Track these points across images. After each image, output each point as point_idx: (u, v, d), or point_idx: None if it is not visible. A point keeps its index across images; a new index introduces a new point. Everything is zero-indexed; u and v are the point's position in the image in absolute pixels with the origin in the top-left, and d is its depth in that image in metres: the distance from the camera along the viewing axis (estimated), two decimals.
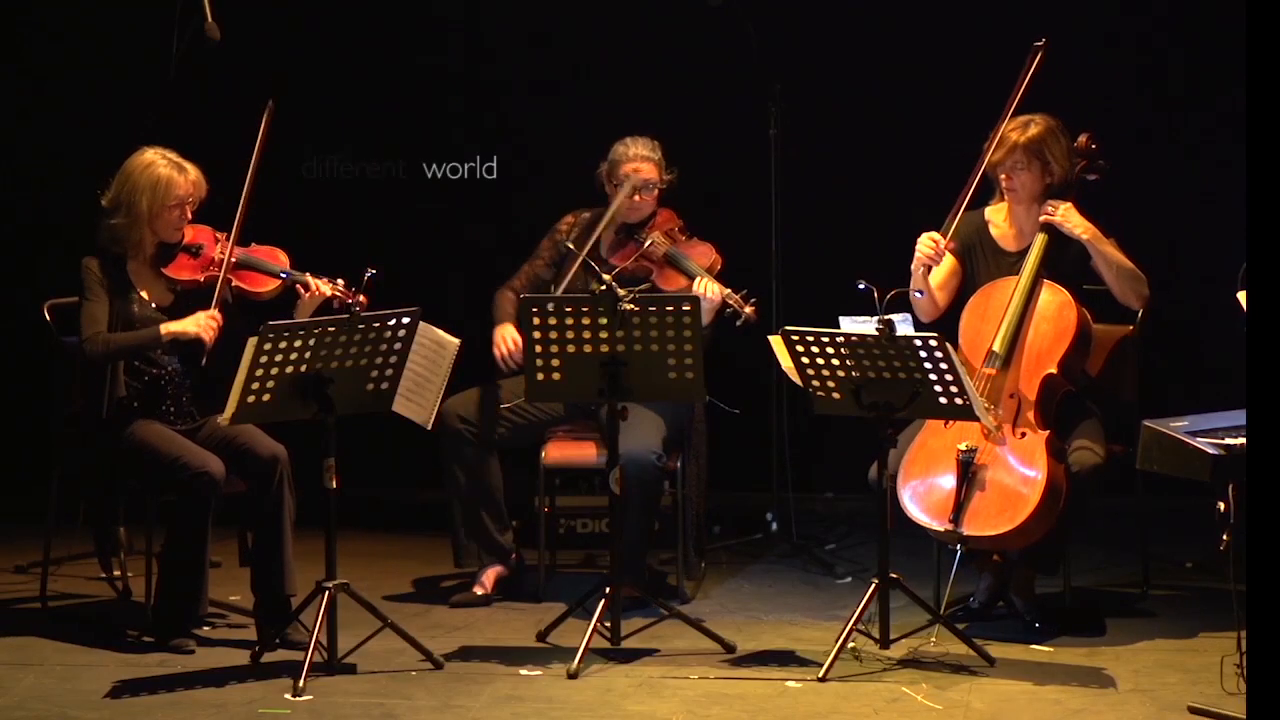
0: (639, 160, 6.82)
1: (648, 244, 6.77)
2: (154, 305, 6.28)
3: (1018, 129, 6.36)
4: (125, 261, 6.28)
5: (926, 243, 6.35)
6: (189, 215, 6.28)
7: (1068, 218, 6.33)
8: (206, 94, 7.56)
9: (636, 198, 6.81)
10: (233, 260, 6.30)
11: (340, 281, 6.36)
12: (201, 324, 6.17)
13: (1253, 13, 4.92)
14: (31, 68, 8.17)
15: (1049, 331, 6.29)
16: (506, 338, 6.73)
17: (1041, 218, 6.37)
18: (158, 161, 6.25)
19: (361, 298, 6.29)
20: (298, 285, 6.34)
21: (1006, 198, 6.46)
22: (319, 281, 6.34)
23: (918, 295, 6.41)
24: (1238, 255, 5.24)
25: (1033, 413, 6.20)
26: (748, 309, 6.52)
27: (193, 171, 6.27)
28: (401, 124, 8.23)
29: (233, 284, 6.31)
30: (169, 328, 6.17)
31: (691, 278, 6.66)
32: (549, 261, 6.90)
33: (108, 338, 6.16)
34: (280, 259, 6.40)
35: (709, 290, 6.56)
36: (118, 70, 7.85)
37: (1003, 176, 6.40)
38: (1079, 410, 6.32)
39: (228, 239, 6.30)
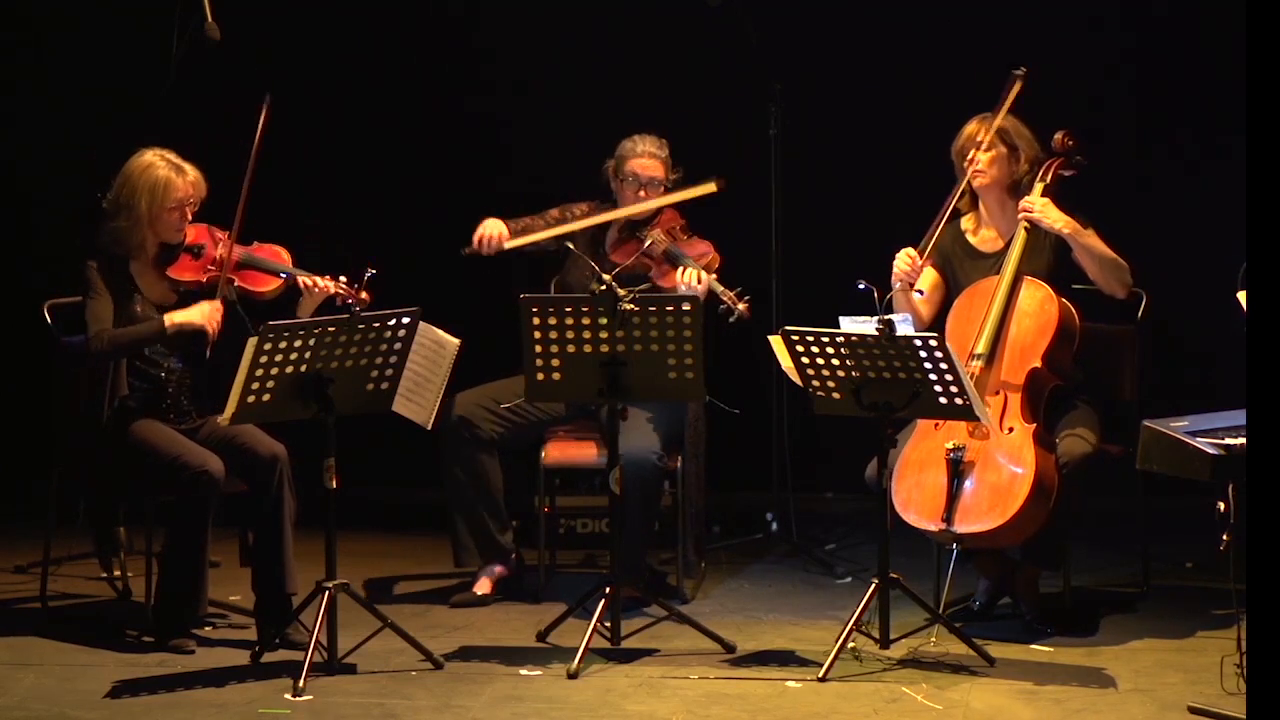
0: (645, 156, 6.83)
1: (648, 243, 6.77)
2: (157, 305, 6.28)
3: (978, 119, 6.43)
4: (127, 263, 6.28)
5: (904, 260, 6.36)
6: (189, 216, 6.27)
7: (1046, 213, 6.34)
8: (206, 94, 7.55)
9: (641, 193, 6.82)
10: (235, 259, 6.31)
11: (343, 279, 6.35)
12: (206, 314, 6.17)
13: (1253, 13, 4.92)
14: (31, 67, 8.16)
15: (1031, 326, 6.31)
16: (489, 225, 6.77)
17: (1020, 215, 6.38)
18: (157, 163, 6.24)
19: (364, 294, 6.29)
20: (300, 283, 6.34)
21: (978, 192, 6.47)
22: (321, 279, 6.34)
23: (918, 295, 6.42)
24: (1238, 255, 5.24)
25: (1019, 408, 6.20)
26: (741, 306, 6.50)
27: (191, 172, 6.26)
28: (400, 125, 8.23)
29: (235, 284, 6.32)
30: (173, 318, 6.17)
31: None
32: (551, 222, 6.88)
33: (112, 333, 6.16)
34: (283, 257, 6.40)
35: (691, 278, 6.56)
36: (118, 70, 7.84)
37: (970, 168, 6.41)
38: (1070, 404, 6.33)
39: (229, 238, 6.30)
